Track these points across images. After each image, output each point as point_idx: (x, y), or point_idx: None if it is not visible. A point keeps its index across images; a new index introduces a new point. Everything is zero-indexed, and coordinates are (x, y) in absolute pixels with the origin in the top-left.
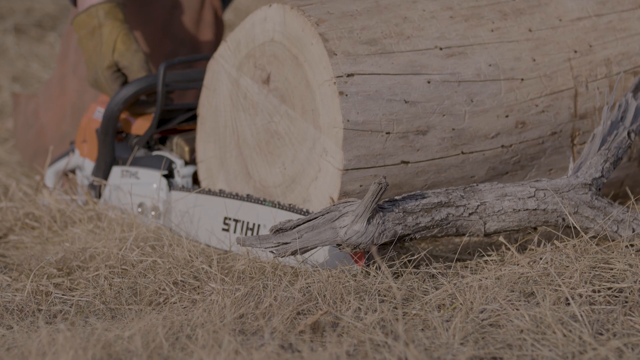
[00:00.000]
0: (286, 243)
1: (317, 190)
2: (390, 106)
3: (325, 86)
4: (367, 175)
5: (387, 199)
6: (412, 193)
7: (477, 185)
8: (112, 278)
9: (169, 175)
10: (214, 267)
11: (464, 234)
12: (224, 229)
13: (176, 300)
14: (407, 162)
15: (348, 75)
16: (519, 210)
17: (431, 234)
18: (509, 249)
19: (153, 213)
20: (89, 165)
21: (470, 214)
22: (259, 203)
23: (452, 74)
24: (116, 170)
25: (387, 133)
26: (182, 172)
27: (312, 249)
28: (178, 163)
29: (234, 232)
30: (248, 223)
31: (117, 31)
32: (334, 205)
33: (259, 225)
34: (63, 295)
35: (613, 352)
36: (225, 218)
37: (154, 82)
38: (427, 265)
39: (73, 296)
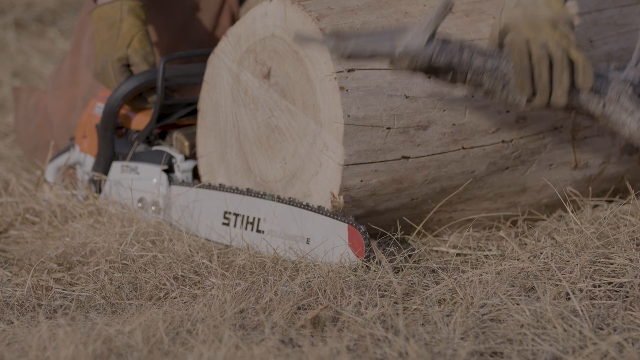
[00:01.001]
0: (345, 40)
1: (317, 185)
2: (391, 101)
3: (325, 81)
4: (368, 171)
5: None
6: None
7: None
8: (113, 273)
9: (169, 170)
10: (214, 262)
11: (505, 100)
12: (224, 224)
13: (176, 295)
14: (407, 157)
15: (349, 71)
16: None
17: (479, 80)
18: (509, 244)
19: (153, 208)
20: (89, 160)
21: None
22: (259, 197)
23: None
24: (116, 166)
25: (387, 128)
26: (182, 167)
27: (368, 57)
28: (178, 158)
29: (234, 226)
30: (248, 217)
31: (136, 29)
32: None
33: (259, 219)
34: (63, 290)
35: (613, 346)
36: (226, 212)
37: (153, 77)
38: (427, 259)
39: (73, 291)
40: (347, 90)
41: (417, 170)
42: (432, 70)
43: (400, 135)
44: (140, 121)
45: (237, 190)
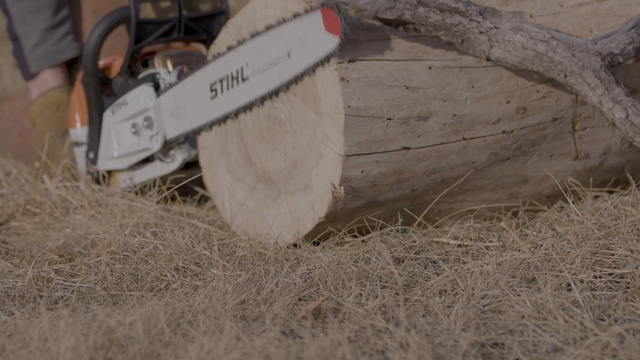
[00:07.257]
0: None
1: (318, 176)
2: (391, 92)
3: (326, 72)
4: (369, 161)
5: None
6: None
7: (499, 10)
8: (114, 264)
9: (156, 88)
10: (215, 253)
11: (467, 51)
12: (212, 98)
13: (177, 286)
14: (408, 148)
15: (349, 61)
16: (528, 48)
17: (436, 32)
18: (510, 235)
19: (146, 123)
20: (84, 132)
21: (480, 32)
22: (240, 44)
23: (453, 60)
24: (107, 113)
25: (388, 119)
26: (167, 79)
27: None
28: (162, 71)
29: (222, 92)
30: (232, 73)
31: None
32: None
33: (242, 68)
34: (64, 281)
35: (614, 337)
36: (211, 84)
37: (127, 13)
38: (428, 251)
39: (74, 282)
40: (347, 81)
41: (417, 161)
42: (383, 21)
43: (401, 126)
44: (118, 64)
45: (217, 55)
